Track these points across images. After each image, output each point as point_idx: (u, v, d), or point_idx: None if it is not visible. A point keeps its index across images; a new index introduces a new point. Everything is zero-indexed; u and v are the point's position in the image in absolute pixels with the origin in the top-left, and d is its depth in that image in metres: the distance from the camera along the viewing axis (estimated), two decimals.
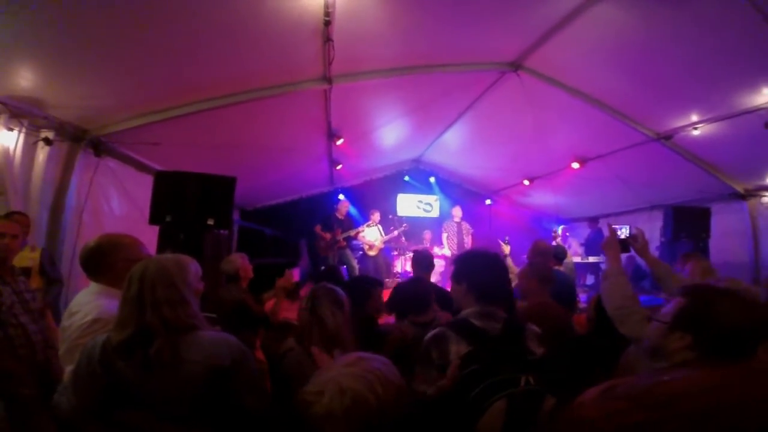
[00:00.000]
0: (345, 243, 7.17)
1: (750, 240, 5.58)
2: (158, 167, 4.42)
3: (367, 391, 0.88)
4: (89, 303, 1.64)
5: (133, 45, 2.89)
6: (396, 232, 7.54)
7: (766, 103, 3.81)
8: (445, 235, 7.70)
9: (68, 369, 1.50)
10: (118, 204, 4.11)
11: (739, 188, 5.54)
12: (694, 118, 4.49)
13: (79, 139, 3.49)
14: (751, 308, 1.06)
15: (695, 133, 4.60)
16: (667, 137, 4.88)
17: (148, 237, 3.54)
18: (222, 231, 3.77)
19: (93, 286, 1.73)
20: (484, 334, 1.41)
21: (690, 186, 5.65)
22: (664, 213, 5.43)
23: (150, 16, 2.67)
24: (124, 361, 1.24)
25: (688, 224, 5.22)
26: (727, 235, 5.71)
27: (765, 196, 5.36)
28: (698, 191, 5.65)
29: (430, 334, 1.47)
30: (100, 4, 2.46)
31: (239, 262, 3.06)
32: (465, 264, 1.58)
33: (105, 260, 1.73)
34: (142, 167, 4.34)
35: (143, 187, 3.64)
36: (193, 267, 1.43)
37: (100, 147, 3.61)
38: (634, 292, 1.69)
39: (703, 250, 5.12)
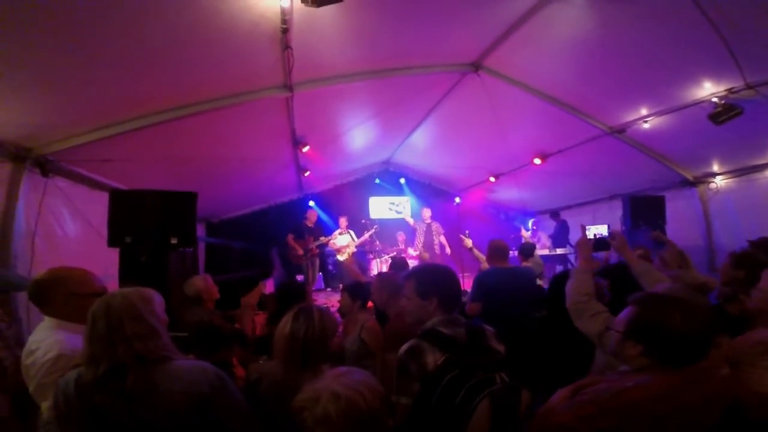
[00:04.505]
0: (318, 251, 7.14)
1: (702, 224, 5.89)
2: (116, 185, 4.22)
3: (358, 397, 0.99)
4: (47, 339, 1.63)
5: (77, 55, 2.70)
6: (367, 235, 7.53)
7: (707, 96, 4.05)
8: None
9: (44, 404, 1.52)
10: (72, 227, 3.86)
11: (689, 176, 5.84)
12: (644, 111, 4.72)
13: (23, 159, 3.23)
14: (698, 318, 1.11)
15: (645, 126, 4.83)
16: (620, 131, 5.10)
17: (110, 259, 3.39)
18: (187, 249, 3.63)
19: (47, 321, 1.72)
20: (454, 340, 1.47)
21: (644, 176, 5.93)
22: (623, 202, 5.67)
23: (95, 25, 2.51)
24: (101, 396, 1.24)
25: (645, 212, 5.48)
26: (681, 220, 6.02)
27: (712, 182, 5.66)
28: (652, 180, 5.94)
29: (404, 348, 1.49)
30: (37, 11, 2.29)
31: (200, 284, 2.96)
32: (433, 280, 1.63)
33: (48, 295, 1.73)
34: (96, 185, 4.11)
35: (100, 207, 3.44)
36: (157, 298, 1.45)
37: (46, 166, 3.38)
38: (593, 291, 1.79)
39: None
